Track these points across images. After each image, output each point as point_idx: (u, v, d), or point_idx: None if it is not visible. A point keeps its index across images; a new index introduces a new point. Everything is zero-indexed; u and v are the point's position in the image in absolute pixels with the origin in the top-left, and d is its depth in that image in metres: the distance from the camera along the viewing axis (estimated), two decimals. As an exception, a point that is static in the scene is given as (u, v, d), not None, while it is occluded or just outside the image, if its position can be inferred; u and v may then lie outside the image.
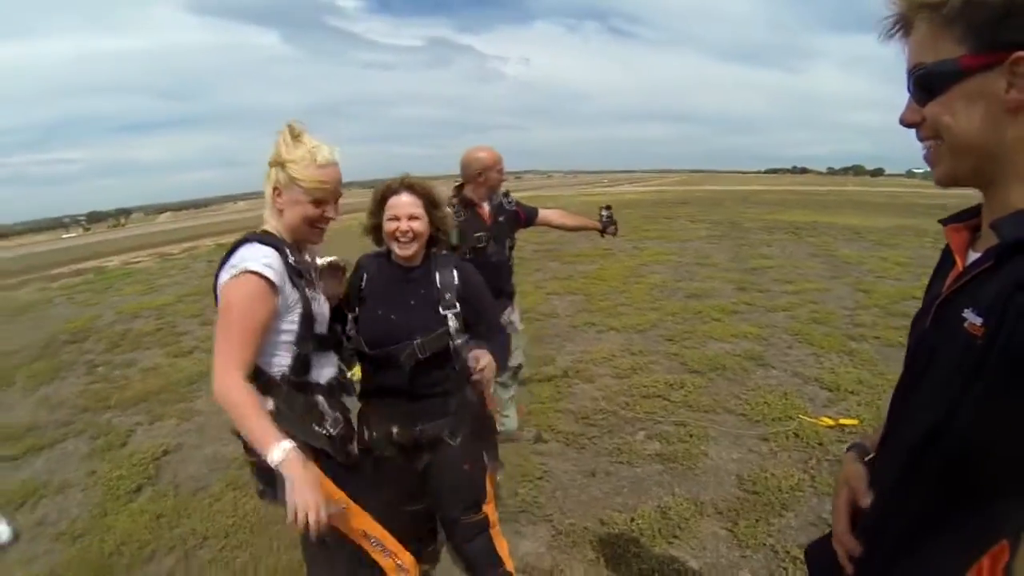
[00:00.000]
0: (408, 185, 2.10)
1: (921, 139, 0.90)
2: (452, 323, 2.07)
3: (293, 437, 1.64)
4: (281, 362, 1.78)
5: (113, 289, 12.65)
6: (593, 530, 3.03)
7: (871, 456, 1.12)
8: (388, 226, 2.08)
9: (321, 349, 1.90)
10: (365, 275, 2.17)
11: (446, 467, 2.18)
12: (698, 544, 2.84)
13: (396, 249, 2.10)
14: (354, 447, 1.96)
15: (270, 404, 1.75)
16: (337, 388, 1.96)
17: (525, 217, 3.69)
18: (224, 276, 1.70)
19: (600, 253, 11.09)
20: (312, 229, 1.84)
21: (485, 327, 2.20)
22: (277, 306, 1.71)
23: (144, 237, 30.21)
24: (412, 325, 2.05)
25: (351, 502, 1.82)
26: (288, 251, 1.78)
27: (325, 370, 1.92)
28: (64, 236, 49.12)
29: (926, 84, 0.86)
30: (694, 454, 3.65)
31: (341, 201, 1.91)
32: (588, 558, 2.84)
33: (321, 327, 1.89)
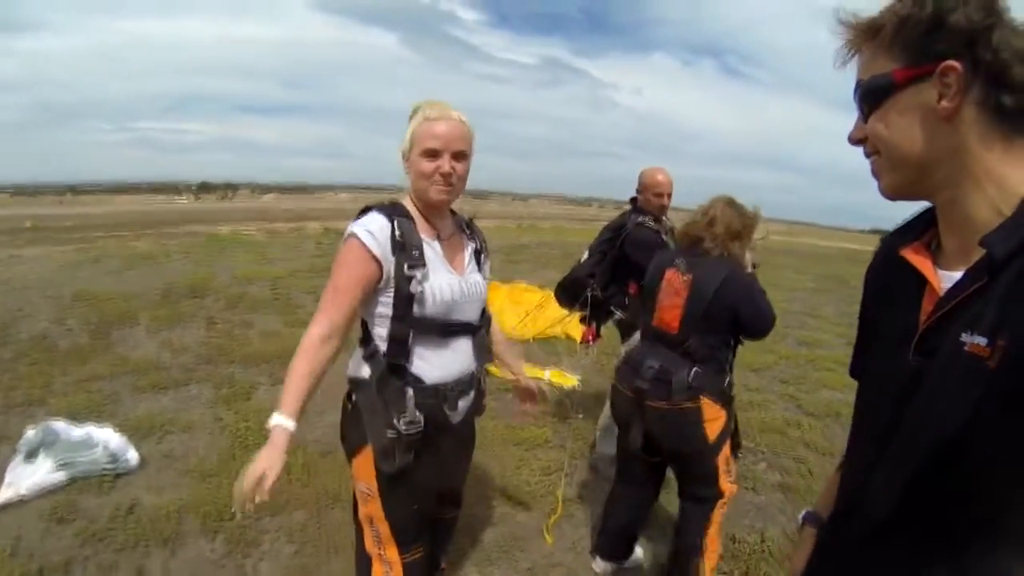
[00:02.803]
0: None
1: (866, 155, 0.91)
2: None
3: (364, 426, 1.75)
4: (382, 335, 1.75)
5: (227, 253, 12.50)
6: (725, 545, 3.01)
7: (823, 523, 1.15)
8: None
9: (428, 334, 1.77)
10: None
11: None
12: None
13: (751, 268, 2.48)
14: (409, 457, 1.75)
15: (366, 372, 1.76)
16: (447, 391, 1.81)
17: None
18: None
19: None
20: (432, 186, 1.72)
21: None
22: (378, 273, 1.68)
23: (252, 212, 30.77)
24: None
25: (376, 491, 1.79)
26: (399, 223, 1.70)
27: (433, 365, 1.79)
28: (177, 200, 51.86)
29: (864, 99, 0.88)
30: (814, 490, 3.60)
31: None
32: (722, 570, 2.89)
33: (426, 309, 1.73)
